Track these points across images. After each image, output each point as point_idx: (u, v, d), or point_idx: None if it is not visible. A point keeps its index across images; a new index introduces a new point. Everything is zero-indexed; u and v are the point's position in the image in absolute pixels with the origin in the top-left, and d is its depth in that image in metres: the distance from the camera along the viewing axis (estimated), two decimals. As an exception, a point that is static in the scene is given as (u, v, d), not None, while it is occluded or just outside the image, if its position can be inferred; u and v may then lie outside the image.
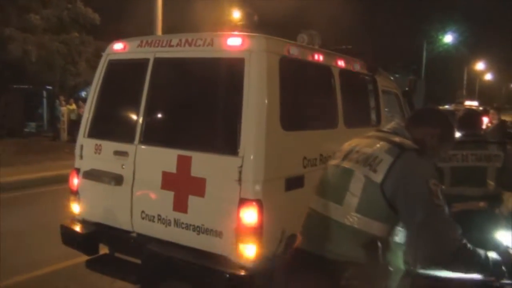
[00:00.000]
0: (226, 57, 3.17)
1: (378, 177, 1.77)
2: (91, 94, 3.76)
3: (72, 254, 4.22)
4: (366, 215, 1.79)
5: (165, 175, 3.21)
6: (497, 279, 1.80)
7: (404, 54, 35.92)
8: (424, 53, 33.46)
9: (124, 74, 3.76)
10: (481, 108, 17.70)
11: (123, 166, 3.40)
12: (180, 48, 3.34)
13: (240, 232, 2.88)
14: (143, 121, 3.40)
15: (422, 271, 1.82)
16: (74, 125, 15.69)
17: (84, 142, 3.70)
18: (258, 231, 2.87)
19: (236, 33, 3.39)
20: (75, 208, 3.72)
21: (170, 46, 3.39)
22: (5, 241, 4.69)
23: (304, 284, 1.88)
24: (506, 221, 2.95)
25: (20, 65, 15.36)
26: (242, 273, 2.86)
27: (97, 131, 3.69)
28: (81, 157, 3.70)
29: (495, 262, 1.81)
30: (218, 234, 2.99)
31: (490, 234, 2.65)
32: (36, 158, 10.90)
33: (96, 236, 3.58)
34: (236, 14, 21.08)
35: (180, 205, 3.13)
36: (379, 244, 1.80)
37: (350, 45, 4.77)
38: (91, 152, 3.62)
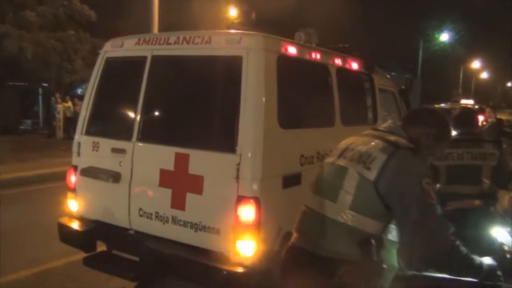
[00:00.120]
0: (224, 55, 3.17)
1: (371, 175, 1.79)
2: (89, 91, 3.76)
3: (68, 252, 4.23)
4: (359, 213, 1.81)
5: (163, 172, 3.22)
6: (493, 283, 1.80)
7: (400, 52, 36.00)
8: (421, 52, 33.56)
9: (122, 71, 3.76)
10: (476, 107, 17.78)
11: (121, 164, 3.41)
12: (178, 46, 3.34)
13: (237, 230, 2.90)
14: (140, 118, 3.40)
15: (416, 271, 1.83)
16: (70, 122, 15.65)
17: (82, 139, 3.70)
18: (256, 229, 2.89)
19: (234, 31, 3.40)
20: (73, 205, 3.72)
21: (168, 44, 3.39)
22: (0, 239, 4.68)
23: (298, 281, 1.89)
24: (501, 219, 2.98)
25: (16, 62, 15.28)
26: (240, 270, 2.87)
27: (94, 129, 3.69)
28: (78, 154, 3.70)
29: (490, 267, 1.82)
30: (216, 231, 3.00)
31: (485, 232, 2.67)
32: (32, 156, 10.85)
33: (93, 233, 3.58)
34: (233, 12, 21.05)
35: (178, 203, 3.14)
36: (373, 241, 1.81)
37: (347, 44, 4.79)
38: (88, 149, 3.62)
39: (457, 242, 1.76)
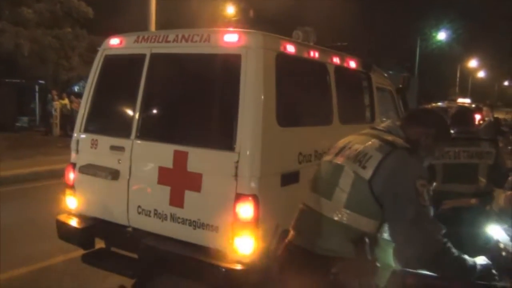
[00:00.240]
0: (223, 53, 3.18)
1: (366, 174, 1.80)
2: (87, 89, 3.76)
3: (65, 249, 4.24)
4: (354, 211, 1.82)
5: (162, 170, 3.23)
6: (488, 282, 1.82)
7: (397, 51, 36.05)
8: (418, 50, 33.62)
9: (121, 69, 3.76)
10: (473, 106, 17.86)
11: (120, 161, 3.41)
12: (176, 44, 3.35)
13: (236, 227, 2.91)
14: (139, 116, 3.40)
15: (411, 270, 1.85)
16: (67, 120, 15.62)
17: (80, 137, 3.70)
18: (254, 226, 2.90)
19: (232, 29, 3.40)
20: (71, 202, 3.73)
21: (167, 41, 3.39)
22: (-3, 236, 4.68)
23: (294, 279, 1.90)
24: (497, 218, 3.00)
25: (13, 59, 15.21)
26: (238, 267, 2.89)
27: (93, 126, 3.69)
28: (77, 151, 3.70)
29: (485, 266, 1.83)
30: (214, 228, 3.02)
31: (481, 230, 2.69)
32: (28, 153, 10.83)
33: (92, 231, 3.59)
34: (231, 10, 20.99)
35: (177, 200, 3.15)
36: (367, 240, 1.82)
37: (345, 42, 4.81)
38: (87, 147, 3.62)
39: (449, 244, 1.76)
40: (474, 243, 2.44)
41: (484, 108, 9.58)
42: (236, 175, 2.92)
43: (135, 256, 3.42)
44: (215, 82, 3.36)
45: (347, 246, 1.82)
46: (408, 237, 1.76)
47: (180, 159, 3.14)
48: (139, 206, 3.34)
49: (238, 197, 2.90)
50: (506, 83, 58.02)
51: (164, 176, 3.22)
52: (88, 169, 3.57)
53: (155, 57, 3.42)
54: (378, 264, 1.87)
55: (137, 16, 10.61)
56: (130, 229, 3.41)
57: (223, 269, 2.89)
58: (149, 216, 3.28)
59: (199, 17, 16.95)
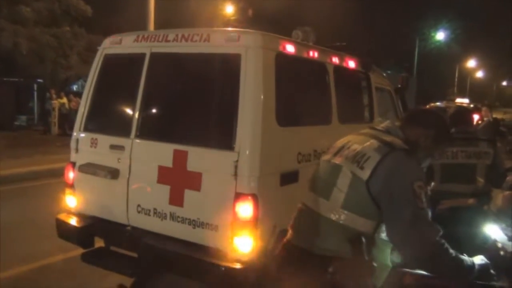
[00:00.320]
0: (223, 53, 3.19)
1: (364, 174, 1.80)
2: (87, 88, 3.77)
3: (63, 248, 4.24)
4: (352, 211, 1.82)
5: (161, 169, 3.23)
6: (486, 282, 1.82)
7: (396, 51, 36.09)
8: (416, 50, 33.66)
9: (120, 68, 3.76)
10: (471, 106, 17.88)
11: (119, 160, 3.42)
12: (176, 44, 3.35)
13: (235, 226, 2.92)
14: (139, 115, 3.41)
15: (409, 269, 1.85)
16: (65, 118, 15.61)
17: (80, 136, 3.71)
18: (253, 225, 2.91)
19: (232, 29, 3.41)
20: (71, 201, 3.73)
21: (167, 41, 3.40)
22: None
23: (292, 278, 1.91)
24: (494, 218, 3.02)
25: (11, 58, 15.18)
26: (238, 266, 2.90)
27: (93, 125, 3.69)
28: (76, 150, 3.71)
29: (482, 266, 1.83)
30: (214, 227, 3.03)
31: (479, 229, 2.71)
32: (27, 152, 10.81)
33: (91, 229, 3.59)
34: (230, 9, 20.97)
35: (176, 199, 3.16)
36: (363, 240, 1.82)
37: (344, 42, 4.82)
38: (87, 146, 3.63)
39: (446, 246, 1.76)
40: (472, 243, 2.45)
41: (483, 108, 9.61)
42: (235, 175, 2.92)
43: (134, 255, 3.43)
44: (215, 81, 3.36)
45: (344, 246, 1.82)
46: (405, 239, 1.76)
47: (179, 158, 3.15)
48: (138, 205, 3.34)
49: (238, 196, 2.91)
50: (504, 83, 58.16)
51: (163, 175, 3.22)
52: (88, 168, 3.57)
53: (155, 56, 3.43)
54: (375, 264, 1.88)
55: (136, 15, 10.62)
56: (129, 228, 3.42)
57: (222, 268, 2.90)
58: (149, 215, 3.29)
59: (198, 16, 16.95)
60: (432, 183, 3.37)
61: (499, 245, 2.14)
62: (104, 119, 3.79)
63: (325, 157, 2.04)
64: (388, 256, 1.92)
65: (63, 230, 3.67)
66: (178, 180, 3.16)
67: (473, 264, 1.82)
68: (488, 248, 2.18)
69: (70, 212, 3.74)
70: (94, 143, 3.58)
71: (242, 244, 2.93)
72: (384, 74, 5.78)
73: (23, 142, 12.82)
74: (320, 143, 3.48)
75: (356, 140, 1.97)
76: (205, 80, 3.39)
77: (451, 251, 1.77)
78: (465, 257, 1.82)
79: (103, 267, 3.64)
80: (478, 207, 3.19)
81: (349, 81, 4.42)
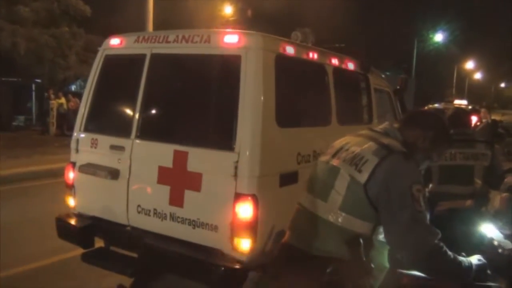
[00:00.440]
0: (223, 54, 3.21)
1: (362, 177, 1.80)
2: (87, 88, 3.78)
3: (62, 249, 4.24)
4: (349, 213, 1.82)
5: (161, 169, 3.25)
6: (483, 282, 1.83)
7: (395, 52, 36.17)
8: (415, 52, 33.73)
9: (121, 69, 3.77)
10: (470, 107, 17.94)
11: (119, 161, 3.43)
12: (177, 45, 3.37)
13: (235, 226, 2.94)
14: (139, 116, 3.42)
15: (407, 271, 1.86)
16: (63, 119, 15.59)
17: (80, 136, 3.72)
18: (253, 226, 2.93)
19: (232, 30, 3.43)
20: (71, 201, 3.74)
21: (167, 42, 3.41)
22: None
23: (289, 279, 1.91)
24: (492, 219, 3.03)
25: (9, 58, 15.16)
26: (237, 266, 2.91)
27: (93, 126, 3.70)
28: (77, 151, 3.72)
29: (480, 266, 1.83)
30: (214, 228, 3.04)
31: (476, 230, 2.72)
32: (25, 152, 10.80)
33: (91, 230, 3.60)
34: (228, 10, 20.97)
35: (176, 200, 3.18)
36: (361, 241, 1.82)
37: (343, 43, 4.84)
38: (87, 146, 3.64)
39: (444, 249, 1.76)
40: (469, 243, 2.46)
41: (482, 110, 9.66)
42: (235, 175, 2.94)
43: (134, 255, 3.44)
44: (215, 82, 3.38)
45: (342, 247, 1.82)
46: (403, 241, 1.77)
47: (180, 158, 3.16)
48: (138, 206, 3.36)
49: (238, 196, 2.93)
50: (502, 84, 58.33)
51: (164, 175, 3.24)
52: (88, 169, 3.58)
53: (155, 57, 3.44)
54: (372, 265, 1.89)
55: (135, 15, 10.61)
56: (129, 228, 3.43)
57: (222, 268, 2.91)
58: (149, 215, 3.30)
59: (197, 17, 16.95)
60: (430, 185, 3.39)
61: (496, 243, 2.15)
62: (105, 120, 3.80)
63: (323, 158, 2.04)
64: (385, 258, 1.93)
65: (63, 230, 3.67)
66: (178, 180, 3.17)
67: (471, 265, 1.82)
68: (485, 247, 2.19)
69: (70, 212, 3.75)
70: (94, 144, 3.59)
71: (242, 244, 2.94)
72: (383, 76, 5.80)
73: (21, 142, 12.79)
74: (319, 144, 3.49)
75: (354, 142, 1.96)
76: (205, 81, 3.40)
77: (449, 253, 1.77)
78: (463, 259, 1.82)
79: (103, 267, 3.65)
80: (476, 209, 3.21)
81: (348, 82, 4.45)
